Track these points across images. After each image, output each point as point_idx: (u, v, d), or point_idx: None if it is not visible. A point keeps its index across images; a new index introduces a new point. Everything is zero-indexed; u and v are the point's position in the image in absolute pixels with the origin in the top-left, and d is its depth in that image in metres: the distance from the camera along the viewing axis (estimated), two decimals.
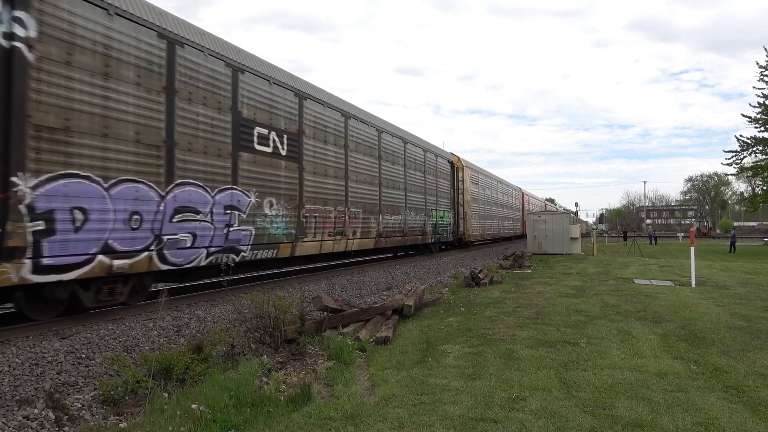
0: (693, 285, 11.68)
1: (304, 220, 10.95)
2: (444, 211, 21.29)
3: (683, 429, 3.73)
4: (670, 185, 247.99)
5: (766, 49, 30.48)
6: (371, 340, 6.50)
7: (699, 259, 18.08)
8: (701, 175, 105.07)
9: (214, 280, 9.99)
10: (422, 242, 18.73)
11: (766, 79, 29.94)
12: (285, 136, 10.40)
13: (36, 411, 4.09)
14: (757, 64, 31.41)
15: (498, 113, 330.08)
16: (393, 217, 15.78)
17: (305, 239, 10.97)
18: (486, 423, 3.85)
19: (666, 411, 4.04)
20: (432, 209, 19.70)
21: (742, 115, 37.58)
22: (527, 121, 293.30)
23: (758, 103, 30.27)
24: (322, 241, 11.64)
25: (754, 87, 36.48)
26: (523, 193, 43.04)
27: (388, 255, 19.11)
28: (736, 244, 32.66)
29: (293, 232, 10.51)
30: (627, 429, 3.73)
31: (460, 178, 23.62)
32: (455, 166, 23.34)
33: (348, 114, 13.21)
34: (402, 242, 16.70)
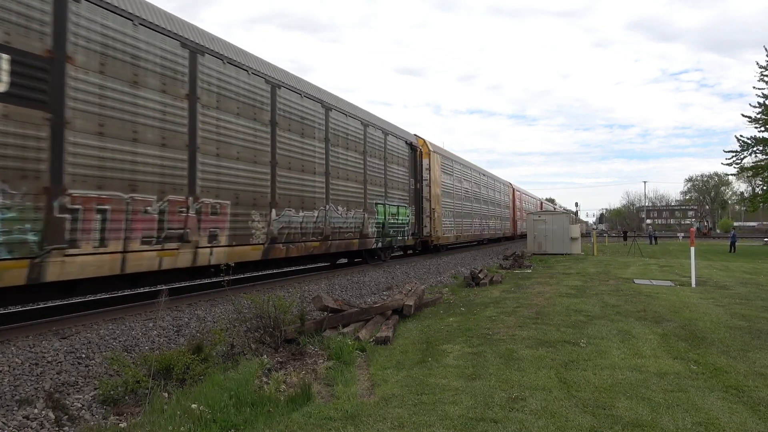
0: (693, 285, 11.67)
1: (69, 216, 6.21)
2: (398, 206, 16.34)
3: (683, 429, 3.73)
4: (670, 185, 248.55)
5: (766, 49, 30.52)
6: (371, 340, 6.51)
7: (699, 259, 18.08)
8: (701, 175, 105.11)
9: (214, 280, 9.99)
10: (361, 247, 13.82)
11: (766, 79, 29.94)
12: (4, 56, 5.60)
13: (36, 411, 4.10)
14: (757, 64, 31.46)
15: (498, 113, 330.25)
16: (302, 214, 10.92)
17: (72, 252, 6.23)
18: (486, 423, 3.85)
19: (666, 411, 4.04)
20: (377, 204, 14.68)
21: (742, 115, 37.65)
22: (527, 121, 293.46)
23: (758, 103, 30.28)
24: (125, 252, 6.86)
25: (754, 87, 36.59)
26: (514, 189, 38.56)
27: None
28: (736, 244, 32.66)
29: (33, 239, 5.83)
30: (627, 429, 3.73)
31: (426, 166, 18.97)
32: (418, 150, 18.33)
33: (197, 48, 8.19)
34: (322, 248, 11.81)
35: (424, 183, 18.91)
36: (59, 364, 5.10)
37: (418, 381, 4.90)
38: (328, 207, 12.02)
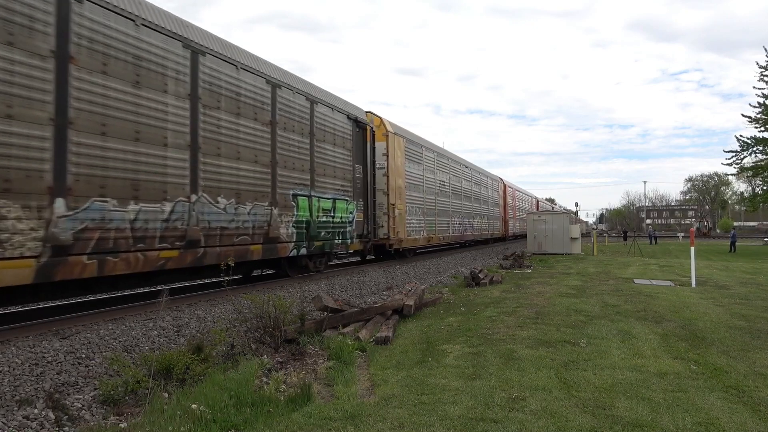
0: (693, 285, 11.68)
1: None
2: (335, 199, 12.11)
3: (683, 429, 3.73)
4: (670, 185, 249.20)
5: (766, 49, 30.56)
6: (371, 340, 6.51)
7: (699, 259, 18.09)
8: (701, 175, 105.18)
9: (214, 280, 9.98)
10: (267, 256, 9.58)
11: (766, 79, 29.95)
12: None
13: (36, 411, 4.10)
14: (757, 64, 31.45)
15: (498, 113, 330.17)
16: (137, 207, 7.03)
17: None
18: (486, 423, 3.85)
19: (666, 411, 4.04)
20: (297, 195, 10.56)
21: (742, 115, 37.66)
22: (527, 121, 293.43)
23: (758, 103, 30.29)
24: None
25: (754, 87, 36.63)
26: (505, 185, 34.53)
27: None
28: (736, 244, 32.67)
29: None
30: (627, 429, 3.73)
31: (384, 151, 15.15)
32: (369, 129, 14.07)
33: None
34: (186, 260, 7.76)
35: (380, 172, 15.01)
36: (59, 364, 5.10)
37: (418, 381, 4.90)
38: (196, 197, 7.87)
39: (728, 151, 33.32)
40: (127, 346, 5.89)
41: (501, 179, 34.03)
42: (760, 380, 4.79)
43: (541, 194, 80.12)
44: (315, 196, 11.33)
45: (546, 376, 4.92)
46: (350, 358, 5.63)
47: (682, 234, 56.39)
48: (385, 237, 15.09)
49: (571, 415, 3.98)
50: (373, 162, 14.45)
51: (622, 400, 4.28)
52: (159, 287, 8.59)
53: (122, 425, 3.96)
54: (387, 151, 15.29)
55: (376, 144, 14.71)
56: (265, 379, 4.91)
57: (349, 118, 13.06)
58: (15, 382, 4.58)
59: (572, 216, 34.05)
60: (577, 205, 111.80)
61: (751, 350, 5.86)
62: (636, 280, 12.79)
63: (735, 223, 76.43)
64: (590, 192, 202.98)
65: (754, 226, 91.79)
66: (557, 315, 7.95)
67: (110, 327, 6.43)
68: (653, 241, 41.02)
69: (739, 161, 32.54)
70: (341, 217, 12.50)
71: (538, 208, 46.66)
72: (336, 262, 15.54)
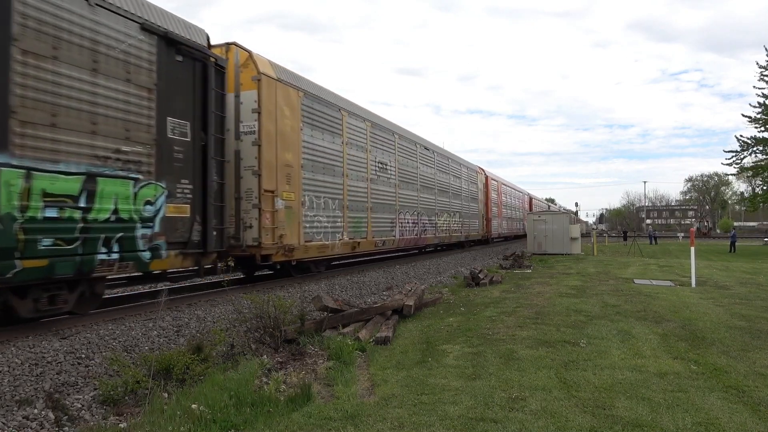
0: (693, 285, 11.68)
1: None
2: (93, 175, 6.07)
3: (683, 429, 3.73)
4: (670, 185, 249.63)
5: (766, 49, 30.55)
6: (371, 340, 6.51)
7: (699, 259, 18.09)
8: (701, 175, 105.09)
9: (214, 280, 9.98)
10: None
11: (766, 79, 29.97)
12: None
13: (36, 411, 4.10)
14: (757, 64, 31.47)
15: (498, 113, 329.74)
16: None
17: None
18: (486, 423, 3.85)
19: (666, 411, 4.05)
20: None
21: (742, 115, 37.64)
22: (527, 121, 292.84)
23: (758, 103, 30.32)
24: None
25: (754, 87, 36.58)
26: (488, 177, 28.75)
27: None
28: (736, 244, 32.66)
29: None
30: (627, 429, 3.73)
31: (254, 106, 9.26)
32: (209, 63, 8.15)
33: None
34: None
35: (248, 138, 9.28)
36: (59, 364, 5.10)
37: (418, 381, 4.90)
38: None
39: (728, 151, 33.42)
40: (127, 346, 5.89)
41: (482, 169, 28.00)
42: (760, 380, 4.79)
43: (542, 194, 79.93)
44: (12, 167, 5.29)
45: (546, 376, 4.93)
46: (350, 358, 5.63)
47: (682, 234, 56.41)
48: (255, 244, 9.09)
49: (571, 415, 3.98)
50: (221, 119, 8.63)
51: (622, 400, 4.28)
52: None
53: (122, 425, 3.96)
54: (259, 107, 9.29)
55: (242, 93, 9.31)
56: (265, 379, 4.91)
57: (146, 30, 6.99)
58: (15, 382, 4.58)
59: (572, 216, 33.81)
60: (577, 205, 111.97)
61: (751, 350, 5.86)
62: (636, 280, 12.79)
63: (735, 223, 76.43)
64: (590, 192, 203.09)
65: (754, 226, 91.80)
66: (557, 315, 7.95)
67: (110, 327, 6.43)
68: (653, 241, 41.01)
69: (739, 161, 32.63)
70: (114, 211, 6.49)
71: (531, 207, 42.43)
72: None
